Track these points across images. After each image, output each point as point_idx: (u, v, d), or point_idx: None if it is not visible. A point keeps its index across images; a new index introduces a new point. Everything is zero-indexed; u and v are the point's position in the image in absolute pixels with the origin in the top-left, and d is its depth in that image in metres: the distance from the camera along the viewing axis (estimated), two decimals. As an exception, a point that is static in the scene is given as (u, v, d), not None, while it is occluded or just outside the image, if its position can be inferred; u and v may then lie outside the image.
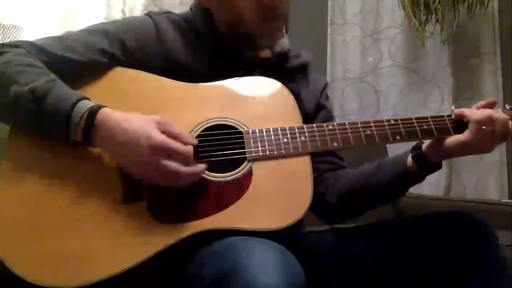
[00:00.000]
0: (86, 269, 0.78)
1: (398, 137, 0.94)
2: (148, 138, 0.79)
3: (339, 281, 0.99)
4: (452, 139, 0.93)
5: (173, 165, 0.79)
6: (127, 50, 0.95)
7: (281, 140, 0.90)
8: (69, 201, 0.81)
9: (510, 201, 1.97)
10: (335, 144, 0.92)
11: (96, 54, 0.92)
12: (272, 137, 0.90)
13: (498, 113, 0.93)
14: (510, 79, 2.25)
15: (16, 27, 1.91)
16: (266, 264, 0.67)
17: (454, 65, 2.31)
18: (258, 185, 0.86)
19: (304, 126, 0.93)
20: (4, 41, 1.81)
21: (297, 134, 0.91)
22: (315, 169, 0.94)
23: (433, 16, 2.18)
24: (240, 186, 0.85)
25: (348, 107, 2.42)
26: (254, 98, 0.96)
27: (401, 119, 0.95)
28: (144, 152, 0.78)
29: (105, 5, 2.22)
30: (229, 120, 0.92)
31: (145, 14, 1.04)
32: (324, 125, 0.93)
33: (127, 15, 2.22)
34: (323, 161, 1.09)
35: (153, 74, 0.95)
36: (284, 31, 1.06)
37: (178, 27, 1.02)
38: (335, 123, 0.94)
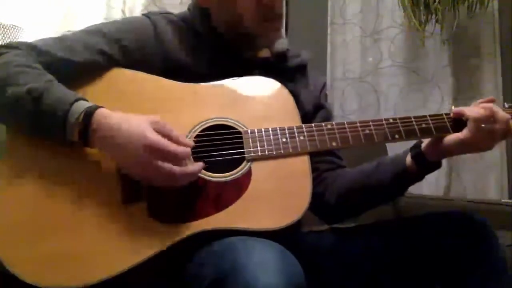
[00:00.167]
0: (86, 269, 0.78)
1: (397, 136, 0.94)
2: (143, 138, 0.79)
3: (339, 281, 0.99)
4: (451, 138, 0.93)
5: (166, 166, 0.79)
6: (126, 51, 0.95)
7: (280, 140, 0.90)
8: (68, 202, 0.81)
9: (510, 201, 1.97)
10: (334, 144, 0.92)
11: (95, 55, 0.92)
12: (271, 137, 0.90)
13: (497, 111, 0.93)
14: (510, 79, 2.25)
15: (16, 27, 1.91)
16: (265, 264, 0.67)
17: (454, 65, 2.31)
18: (257, 185, 0.86)
19: (303, 126, 0.93)
20: (4, 41, 1.81)
21: (296, 134, 0.91)
22: (314, 169, 0.94)
23: (433, 16, 2.18)
24: (239, 186, 0.85)
25: (348, 107, 2.42)
26: (253, 98, 0.96)
27: (400, 118, 0.95)
28: (139, 152, 0.78)
29: (105, 5, 2.22)
30: (228, 120, 0.92)
31: (143, 14, 1.04)
32: (323, 124, 0.93)
33: (127, 15, 2.22)
34: (322, 161, 1.09)
35: (151, 75, 0.95)
36: (283, 30, 1.06)
37: (177, 27, 1.02)
38: (333, 123, 0.94)
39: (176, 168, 0.80)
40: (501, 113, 0.92)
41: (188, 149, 0.83)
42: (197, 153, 0.88)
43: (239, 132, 0.91)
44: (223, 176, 0.87)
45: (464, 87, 2.32)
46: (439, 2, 2.12)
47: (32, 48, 0.89)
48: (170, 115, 0.89)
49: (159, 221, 0.82)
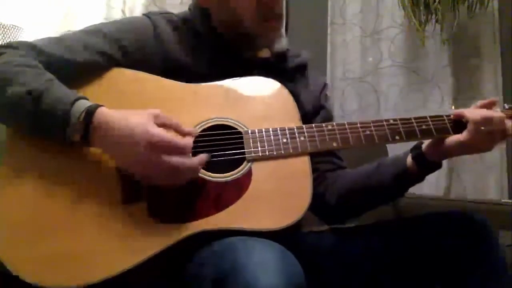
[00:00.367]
0: (86, 269, 0.77)
1: (397, 137, 0.94)
2: (146, 134, 0.78)
3: (339, 281, 0.99)
4: (452, 139, 0.93)
5: (173, 159, 0.78)
6: (125, 51, 0.95)
7: (280, 140, 0.90)
8: (68, 202, 0.81)
9: (510, 201, 1.97)
10: (334, 144, 0.92)
11: (95, 55, 0.92)
12: (272, 137, 0.90)
13: (497, 113, 0.93)
14: (510, 79, 2.25)
15: (16, 27, 1.91)
16: (266, 264, 0.67)
17: (454, 65, 2.31)
18: (257, 185, 0.86)
19: (304, 126, 0.93)
20: (4, 41, 1.81)
21: (297, 134, 0.91)
22: (314, 169, 0.94)
23: (433, 16, 2.18)
24: (240, 186, 0.85)
25: (348, 107, 2.42)
26: (254, 98, 0.96)
27: (400, 119, 0.95)
28: (142, 149, 0.78)
29: (105, 5, 2.22)
30: (228, 120, 0.92)
31: (143, 14, 1.04)
32: (324, 125, 0.93)
33: (127, 15, 2.22)
34: (323, 161, 1.09)
35: (152, 75, 0.95)
36: (283, 30, 1.06)
37: (177, 27, 1.02)
38: (334, 123, 0.94)
39: (179, 161, 0.79)
40: (500, 115, 0.93)
41: (191, 141, 0.82)
42: (198, 153, 0.88)
43: (240, 132, 0.91)
44: (224, 176, 0.87)
45: (464, 87, 2.32)
46: (439, 2, 2.12)
47: (32, 48, 0.89)
48: (171, 115, 0.89)
49: (159, 221, 0.82)
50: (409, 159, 0.99)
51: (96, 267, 0.77)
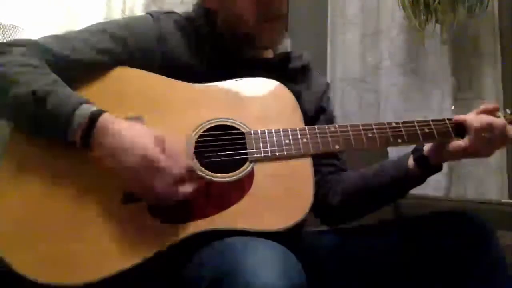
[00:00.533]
0: (86, 268, 0.78)
1: (399, 140, 0.94)
2: (143, 149, 0.78)
3: (340, 281, 0.99)
4: (453, 144, 0.93)
5: (156, 183, 0.78)
6: (128, 50, 0.95)
7: (283, 141, 0.90)
8: (69, 201, 0.82)
9: (510, 201, 1.97)
10: (336, 147, 0.92)
11: (98, 54, 0.92)
12: (274, 138, 0.90)
13: (498, 120, 0.93)
14: (510, 79, 2.24)
15: (16, 27, 1.91)
16: (266, 264, 0.67)
17: (454, 65, 2.31)
18: (259, 186, 0.86)
19: (306, 128, 0.93)
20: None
21: (299, 136, 0.91)
22: (317, 172, 0.94)
23: (433, 16, 2.18)
24: (242, 187, 0.85)
25: (348, 107, 2.42)
26: (256, 99, 0.96)
27: (403, 122, 0.95)
28: (136, 162, 0.78)
29: (105, 5, 2.22)
30: (231, 120, 0.92)
31: (147, 13, 1.04)
32: (326, 127, 0.94)
33: (127, 15, 2.22)
34: (325, 164, 1.09)
35: (155, 74, 0.95)
36: (285, 32, 1.06)
37: (180, 27, 1.02)
38: (336, 126, 0.94)
39: (165, 188, 0.79)
40: (501, 122, 0.92)
41: (183, 172, 0.81)
42: (200, 153, 0.88)
43: (242, 133, 0.91)
44: (226, 177, 0.87)
45: (464, 87, 2.32)
46: (439, 2, 2.12)
47: (37, 46, 0.89)
48: (173, 114, 0.89)
49: (159, 221, 0.82)
50: (410, 161, 0.99)
51: (97, 266, 0.78)
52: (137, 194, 0.82)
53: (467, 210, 0.97)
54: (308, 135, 0.92)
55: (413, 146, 1.01)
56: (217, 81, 0.97)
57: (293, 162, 0.90)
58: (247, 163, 0.88)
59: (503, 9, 2.28)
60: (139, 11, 2.23)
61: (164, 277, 0.84)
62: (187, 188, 0.81)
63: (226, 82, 0.97)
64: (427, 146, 0.98)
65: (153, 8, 2.22)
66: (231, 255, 0.71)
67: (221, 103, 0.95)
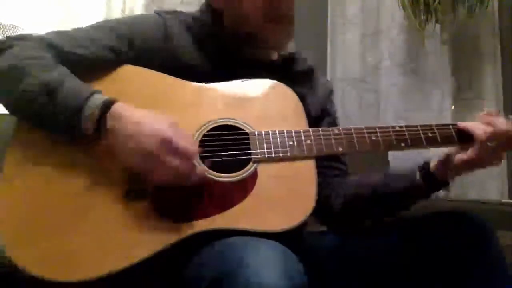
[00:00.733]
0: (89, 264, 0.78)
1: (403, 144, 0.94)
2: (157, 132, 0.79)
3: (340, 281, 0.99)
4: (458, 158, 0.93)
5: (176, 161, 0.79)
6: (134, 48, 0.96)
7: (286, 142, 0.90)
8: (73, 197, 0.82)
9: (510, 201, 1.97)
10: (340, 149, 0.92)
11: (104, 51, 0.92)
12: (278, 139, 0.91)
13: (500, 125, 0.92)
14: (510, 79, 2.25)
15: (16, 27, 1.91)
16: (267, 264, 0.67)
17: (454, 65, 2.31)
18: (262, 187, 0.86)
19: (310, 129, 0.93)
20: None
21: (303, 138, 0.91)
22: (319, 174, 0.94)
23: (433, 16, 2.18)
24: (245, 187, 0.86)
25: (348, 107, 2.42)
26: (261, 100, 0.97)
27: (406, 126, 0.95)
28: (152, 145, 0.79)
29: (105, 5, 2.22)
30: (235, 121, 0.92)
31: (154, 12, 1.04)
32: (330, 129, 0.94)
33: (127, 15, 2.22)
34: (329, 167, 1.09)
35: (160, 73, 0.95)
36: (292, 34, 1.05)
37: (186, 27, 1.02)
38: (340, 128, 0.94)
39: (185, 166, 0.80)
40: (504, 128, 0.92)
41: (197, 152, 0.83)
42: (204, 153, 0.88)
43: (246, 133, 0.91)
44: (229, 177, 0.87)
45: (464, 87, 2.32)
46: (439, 2, 2.13)
47: (42, 41, 0.89)
48: (177, 114, 0.89)
49: (163, 219, 0.82)
50: (418, 177, 0.99)
51: (97, 263, 0.78)
52: (153, 179, 0.82)
53: (467, 210, 0.97)
54: (312, 137, 0.92)
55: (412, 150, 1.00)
56: (221, 81, 0.97)
57: (296, 163, 0.90)
58: (251, 163, 0.88)
59: (503, 9, 2.28)
60: (139, 11, 2.23)
61: (164, 277, 0.84)
62: (200, 169, 0.83)
63: (232, 82, 0.97)
64: (433, 162, 0.97)
65: (153, 8, 2.22)
66: (232, 255, 0.71)
67: (226, 103, 0.95)
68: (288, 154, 0.90)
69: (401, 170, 1.04)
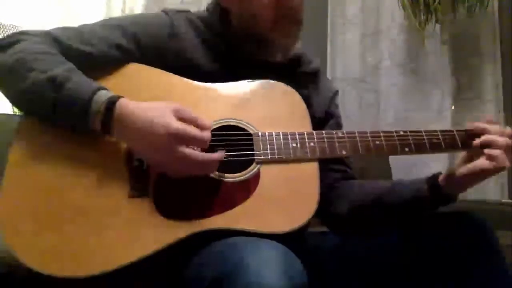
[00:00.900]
0: (90, 260, 0.78)
1: (407, 149, 0.94)
2: (165, 126, 0.79)
3: (341, 281, 0.99)
4: (460, 170, 0.92)
5: (191, 151, 0.79)
6: (141, 46, 0.96)
7: (290, 144, 0.90)
8: (76, 193, 0.82)
9: (510, 201, 1.97)
10: (343, 152, 0.92)
11: (111, 49, 0.92)
12: (282, 141, 0.90)
13: (498, 138, 0.91)
14: (510, 79, 2.25)
15: (16, 27, 1.91)
16: (268, 264, 0.67)
17: (454, 65, 2.31)
18: (265, 188, 0.86)
19: (314, 132, 0.93)
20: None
21: (307, 140, 0.91)
22: (325, 176, 0.94)
23: (433, 16, 2.18)
24: (247, 188, 0.86)
25: (348, 107, 2.42)
26: (266, 102, 0.97)
27: (411, 132, 0.95)
28: (162, 140, 0.79)
29: (105, 5, 2.22)
30: (239, 121, 0.92)
31: (162, 11, 1.04)
32: (334, 132, 0.94)
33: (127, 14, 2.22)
34: (333, 169, 1.09)
35: (165, 72, 0.95)
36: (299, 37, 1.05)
37: (194, 26, 1.02)
38: (344, 131, 0.94)
39: (199, 154, 0.80)
40: (503, 140, 0.91)
41: (209, 134, 0.83)
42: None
43: (250, 134, 0.91)
44: (232, 177, 0.87)
45: (464, 87, 2.32)
46: (439, 2, 2.13)
47: (49, 37, 0.90)
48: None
49: (165, 217, 0.82)
50: (425, 188, 0.98)
51: (100, 258, 0.78)
52: (164, 169, 0.82)
53: (467, 210, 0.97)
54: (315, 140, 0.92)
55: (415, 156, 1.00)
56: (227, 81, 0.97)
57: (299, 165, 0.90)
58: (254, 164, 0.88)
59: (503, 9, 2.28)
60: (139, 11, 2.23)
61: (165, 277, 0.84)
62: (217, 154, 0.83)
63: (237, 83, 0.97)
64: (442, 176, 0.97)
65: (153, 8, 2.22)
66: (233, 255, 0.71)
67: (230, 103, 0.95)
68: (291, 156, 0.89)
69: (410, 180, 1.03)
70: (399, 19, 2.36)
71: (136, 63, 0.95)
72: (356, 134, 0.94)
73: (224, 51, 1.01)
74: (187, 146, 0.80)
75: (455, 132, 0.95)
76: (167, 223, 0.81)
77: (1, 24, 1.87)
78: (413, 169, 2.28)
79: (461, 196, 2.18)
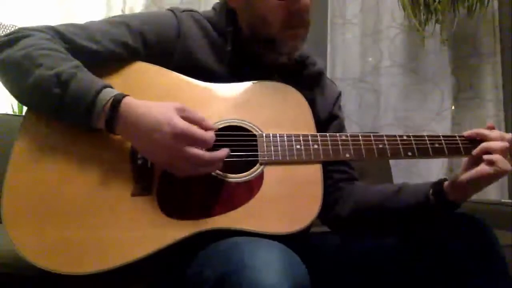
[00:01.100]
0: (92, 258, 0.77)
1: (409, 153, 0.93)
2: (170, 126, 0.79)
3: (342, 281, 0.99)
4: (463, 177, 0.93)
5: (196, 151, 0.79)
6: (147, 44, 0.95)
7: (294, 146, 0.90)
8: (81, 190, 0.82)
9: (510, 201, 1.98)
10: (347, 155, 0.92)
11: (118, 47, 0.92)
12: (286, 142, 0.90)
13: (496, 143, 0.92)
14: (510, 79, 2.25)
15: (16, 27, 1.91)
16: (270, 264, 0.67)
17: (454, 65, 2.31)
18: (268, 189, 0.86)
19: (318, 134, 0.93)
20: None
21: (311, 142, 0.91)
22: (328, 178, 0.93)
23: (433, 16, 2.18)
24: (251, 188, 0.85)
25: (348, 107, 2.42)
26: (270, 103, 0.96)
27: (414, 136, 0.95)
28: (167, 139, 0.79)
29: (105, 5, 2.22)
30: (243, 122, 0.92)
31: (168, 9, 1.04)
32: (338, 135, 0.93)
33: (127, 15, 2.22)
34: (337, 171, 1.08)
35: (171, 71, 0.95)
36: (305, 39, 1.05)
37: (201, 26, 1.02)
38: (348, 134, 0.94)
39: (205, 153, 0.80)
40: (500, 144, 0.92)
41: (213, 134, 0.83)
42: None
43: (254, 135, 0.91)
44: (236, 177, 0.87)
45: (464, 87, 2.33)
46: (439, 2, 2.13)
47: (56, 33, 0.89)
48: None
49: (168, 216, 0.82)
50: (430, 195, 0.98)
51: (102, 256, 0.77)
52: (169, 168, 0.82)
53: (467, 210, 0.96)
54: (319, 142, 0.92)
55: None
56: (233, 81, 0.97)
57: (303, 167, 0.90)
58: (258, 165, 0.88)
59: (503, 9, 2.28)
60: (139, 11, 2.23)
61: (167, 276, 0.84)
62: (221, 152, 0.82)
63: (242, 83, 0.97)
64: (447, 183, 0.97)
65: (153, 8, 2.23)
66: (236, 255, 0.71)
67: (235, 104, 0.95)
68: (295, 157, 0.89)
69: (415, 185, 1.03)
70: (399, 19, 2.37)
71: (142, 62, 0.95)
72: (360, 138, 0.94)
73: (230, 51, 1.01)
74: (192, 146, 0.80)
75: (457, 138, 0.95)
76: (170, 222, 0.81)
77: (1, 24, 1.87)
78: (413, 168, 2.28)
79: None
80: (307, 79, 1.08)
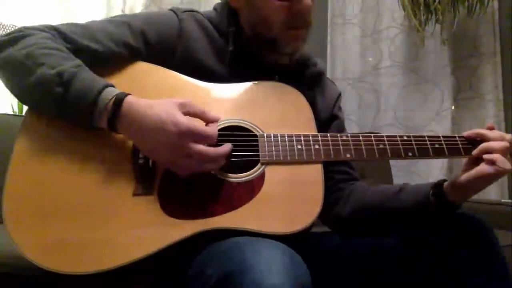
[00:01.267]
0: (91, 258, 0.77)
1: (410, 154, 0.94)
2: (174, 124, 0.79)
3: (343, 281, 0.99)
4: (463, 177, 0.93)
5: (200, 147, 0.79)
6: (148, 43, 0.95)
7: (295, 146, 0.90)
8: (82, 189, 0.81)
9: (510, 201, 1.97)
10: (348, 156, 0.92)
11: (119, 46, 0.92)
12: (287, 142, 0.91)
13: (495, 143, 0.92)
14: (510, 79, 2.25)
15: (16, 27, 1.91)
16: (272, 264, 0.67)
17: (454, 65, 2.31)
18: (269, 189, 0.86)
19: (319, 134, 0.93)
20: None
21: (312, 142, 0.91)
22: (329, 178, 0.93)
23: (433, 16, 2.18)
24: (252, 188, 0.86)
25: (348, 107, 2.43)
26: (271, 103, 0.97)
27: (414, 136, 0.95)
28: (171, 137, 0.79)
29: (105, 5, 2.22)
30: (244, 122, 0.92)
31: (170, 9, 1.04)
32: (338, 135, 0.94)
33: (127, 15, 2.22)
34: (338, 171, 1.09)
35: (172, 71, 0.95)
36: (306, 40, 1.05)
37: (202, 27, 1.02)
38: (349, 135, 0.94)
39: (210, 149, 0.80)
40: (500, 144, 0.92)
41: (216, 129, 0.83)
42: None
43: (255, 135, 0.91)
44: (237, 177, 0.87)
45: (464, 87, 2.33)
46: (439, 2, 2.13)
47: (57, 32, 0.89)
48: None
49: (170, 215, 0.82)
50: (430, 195, 0.98)
51: (103, 256, 0.77)
52: (172, 166, 0.82)
53: (467, 210, 0.97)
54: (320, 142, 0.92)
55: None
56: (234, 81, 0.97)
57: (304, 167, 0.90)
58: (259, 165, 0.89)
59: (503, 9, 2.28)
60: (139, 11, 2.23)
61: (168, 276, 0.84)
62: (224, 148, 0.83)
63: (243, 83, 0.97)
64: (447, 183, 0.97)
65: (153, 8, 2.23)
66: (238, 254, 0.70)
67: (236, 104, 0.95)
68: (296, 157, 0.90)
69: (415, 186, 1.03)
70: (399, 19, 2.37)
71: (144, 62, 0.95)
72: (361, 138, 0.94)
73: (231, 51, 1.01)
74: (195, 142, 0.80)
75: (457, 139, 0.96)
76: (171, 222, 0.81)
77: (1, 24, 1.87)
78: (413, 168, 2.28)
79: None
80: (307, 79, 1.09)
